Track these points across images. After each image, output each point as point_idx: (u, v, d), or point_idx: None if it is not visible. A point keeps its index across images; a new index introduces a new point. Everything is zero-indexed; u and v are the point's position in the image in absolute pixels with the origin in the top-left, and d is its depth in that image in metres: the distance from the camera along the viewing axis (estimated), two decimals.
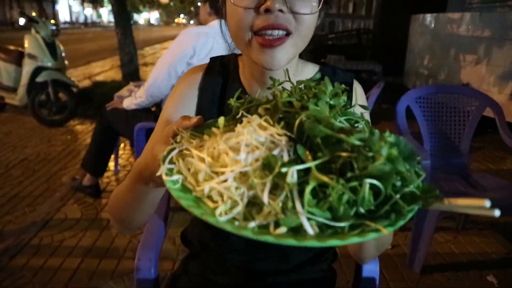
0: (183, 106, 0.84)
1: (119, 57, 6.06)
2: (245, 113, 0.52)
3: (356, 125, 0.52)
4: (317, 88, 0.54)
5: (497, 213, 0.39)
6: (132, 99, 2.40)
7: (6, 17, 34.61)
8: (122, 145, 3.71)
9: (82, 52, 13.10)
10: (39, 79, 4.36)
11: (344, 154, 0.41)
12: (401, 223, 0.40)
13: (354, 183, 0.39)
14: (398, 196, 0.41)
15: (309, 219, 0.39)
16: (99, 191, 2.76)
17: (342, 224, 0.39)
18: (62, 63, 4.65)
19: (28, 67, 4.43)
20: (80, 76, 7.87)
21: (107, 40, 18.08)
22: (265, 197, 0.40)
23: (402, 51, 6.45)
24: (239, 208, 0.41)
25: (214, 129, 0.53)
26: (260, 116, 0.51)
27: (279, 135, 0.46)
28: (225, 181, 0.42)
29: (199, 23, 2.55)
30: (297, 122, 0.46)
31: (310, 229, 0.38)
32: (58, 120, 4.56)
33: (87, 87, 5.77)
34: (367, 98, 2.27)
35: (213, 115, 0.84)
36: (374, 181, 0.40)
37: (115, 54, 7.39)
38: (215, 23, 2.26)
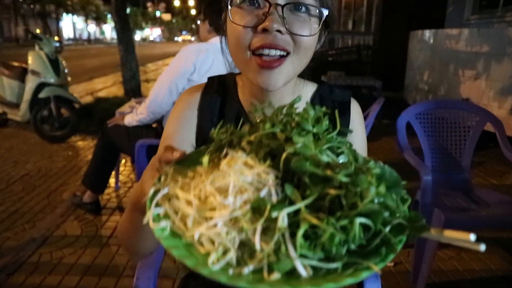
0: (183, 127, 0.85)
1: (121, 73, 6.13)
2: (229, 150, 0.51)
3: (339, 150, 0.52)
4: (299, 115, 0.53)
5: (482, 247, 0.40)
6: (133, 115, 2.41)
7: (11, 34, 35.14)
8: (123, 161, 3.71)
9: (85, 68, 13.22)
10: (42, 95, 4.40)
11: (332, 191, 0.41)
12: (391, 256, 0.41)
13: (345, 222, 0.40)
14: (387, 229, 0.42)
15: (301, 261, 0.39)
16: (100, 208, 2.75)
17: (335, 265, 0.39)
18: (64, 79, 4.70)
19: (31, 83, 4.47)
20: (82, 92, 7.93)
21: (110, 56, 18.29)
22: (257, 243, 0.39)
23: (401, 67, 6.50)
24: (231, 254, 0.40)
25: (198, 167, 0.51)
26: (244, 150, 0.50)
27: (265, 173, 0.45)
28: (215, 225, 0.42)
29: (200, 40, 2.59)
30: (282, 158, 0.46)
31: (304, 272, 0.38)
32: (59, 136, 4.57)
33: (89, 103, 5.81)
34: (367, 114, 2.28)
35: None
36: (364, 219, 0.40)
37: (117, 70, 7.45)
38: (215, 40, 2.29)
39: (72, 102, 4.64)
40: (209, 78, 0.90)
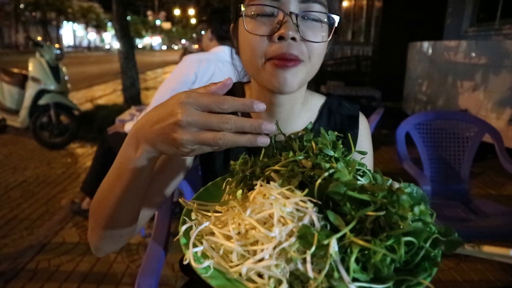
0: None
1: (121, 81, 6.15)
2: (263, 184, 0.51)
3: (358, 172, 0.53)
4: (318, 142, 0.54)
5: None
6: (134, 123, 2.43)
7: (11, 41, 35.28)
8: None
9: (85, 75, 13.26)
10: (42, 101, 4.41)
11: (372, 213, 0.42)
12: (435, 270, 0.42)
13: (391, 241, 0.41)
14: (427, 244, 0.43)
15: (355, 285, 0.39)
16: None
17: (386, 286, 0.40)
18: (64, 87, 4.71)
19: (31, 90, 4.48)
20: (82, 99, 7.94)
21: (109, 63, 18.36)
22: (310, 272, 0.40)
23: (400, 77, 6.54)
24: (284, 286, 0.40)
25: (231, 202, 0.51)
26: (270, 179, 0.51)
27: (303, 202, 0.46)
28: (262, 259, 0.41)
29: (201, 49, 2.62)
30: (317, 184, 0.46)
31: None
32: (58, 142, 4.57)
33: (88, 110, 5.82)
34: None
35: None
36: (409, 238, 0.41)
37: (117, 78, 7.50)
38: (216, 50, 2.32)
39: (71, 109, 4.66)
40: None
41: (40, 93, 4.47)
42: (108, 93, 9.18)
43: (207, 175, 0.89)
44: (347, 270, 0.40)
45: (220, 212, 0.51)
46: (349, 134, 0.63)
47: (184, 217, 0.52)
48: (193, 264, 0.44)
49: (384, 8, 7.92)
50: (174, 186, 0.83)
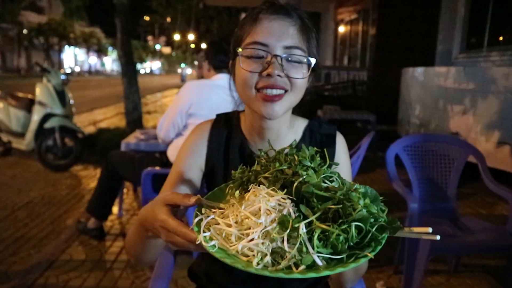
0: (194, 153, 1.00)
1: (123, 104, 6.33)
2: (253, 185, 0.69)
3: (330, 179, 0.69)
4: (299, 155, 0.72)
5: (437, 237, 0.58)
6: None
7: (13, 65, 35.84)
8: (125, 190, 3.82)
9: (86, 99, 13.50)
10: (48, 125, 4.56)
11: (333, 206, 0.59)
12: (379, 248, 0.58)
13: (345, 226, 0.58)
14: (374, 229, 0.59)
15: (318, 256, 0.56)
16: (103, 234, 2.84)
17: (341, 256, 0.56)
18: (70, 110, 4.88)
19: (38, 113, 4.63)
20: (84, 122, 8.11)
21: (110, 87, 18.68)
22: (286, 246, 0.57)
23: (395, 102, 6.74)
24: (268, 258, 0.57)
25: (231, 199, 0.69)
26: (263, 183, 0.68)
27: (283, 199, 0.63)
28: (252, 239, 0.58)
29: (201, 76, 2.86)
30: (294, 186, 0.64)
31: (320, 263, 0.55)
32: (63, 164, 4.70)
33: (91, 133, 5.97)
34: (359, 147, 2.44)
35: (219, 162, 1.01)
36: (358, 223, 0.58)
37: (118, 101, 7.68)
38: (215, 77, 2.56)
39: (76, 132, 4.81)
40: (217, 115, 1.07)
41: (46, 117, 4.63)
42: (110, 117, 9.37)
43: None
44: (313, 246, 0.56)
45: (223, 209, 0.67)
46: (325, 149, 0.79)
47: (197, 212, 0.67)
48: (204, 243, 0.59)
49: (378, 35, 8.21)
50: None
